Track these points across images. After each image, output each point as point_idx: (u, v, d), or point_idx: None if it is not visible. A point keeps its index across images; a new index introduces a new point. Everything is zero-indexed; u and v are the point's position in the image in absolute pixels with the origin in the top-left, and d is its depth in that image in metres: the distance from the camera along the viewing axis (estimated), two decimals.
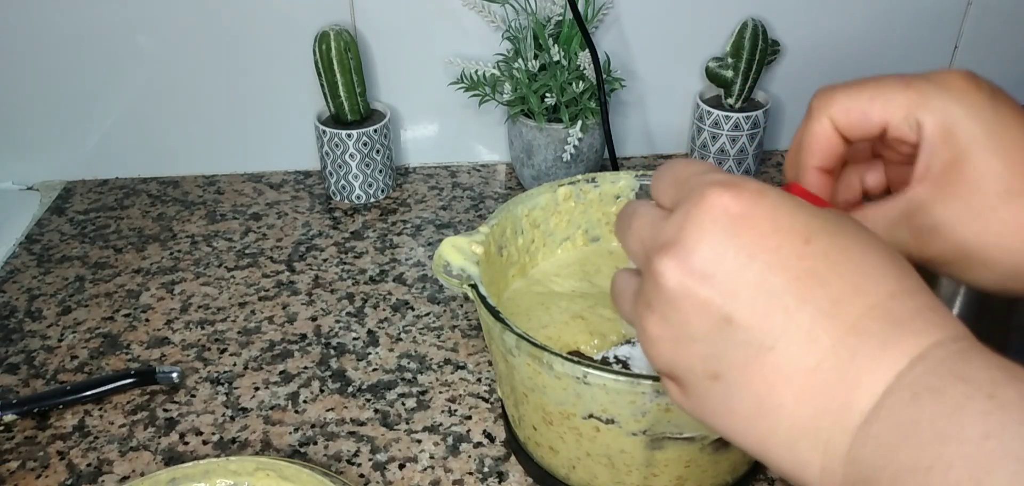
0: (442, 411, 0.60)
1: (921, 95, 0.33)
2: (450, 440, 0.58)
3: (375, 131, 0.83)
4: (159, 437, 0.58)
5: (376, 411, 0.60)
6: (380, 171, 0.85)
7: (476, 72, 0.83)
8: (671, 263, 0.28)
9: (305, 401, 0.61)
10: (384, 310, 0.71)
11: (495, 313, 0.47)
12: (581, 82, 0.81)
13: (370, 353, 0.66)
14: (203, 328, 0.69)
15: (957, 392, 0.23)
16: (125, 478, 0.55)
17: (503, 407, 0.58)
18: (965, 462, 0.22)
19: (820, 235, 0.28)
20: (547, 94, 0.81)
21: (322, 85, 0.82)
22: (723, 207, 0.28)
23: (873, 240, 0.29)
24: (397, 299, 0.72)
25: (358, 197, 0.86)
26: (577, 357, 0.46)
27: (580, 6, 0.79)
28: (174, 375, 0.62)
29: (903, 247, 0.35)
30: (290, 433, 0.59)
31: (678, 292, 0.28)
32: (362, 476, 0.55)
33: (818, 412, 0.26)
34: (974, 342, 0.26)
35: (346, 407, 0.61)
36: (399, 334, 0.68)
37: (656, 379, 0.43)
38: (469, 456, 0.57)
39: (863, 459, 0.25)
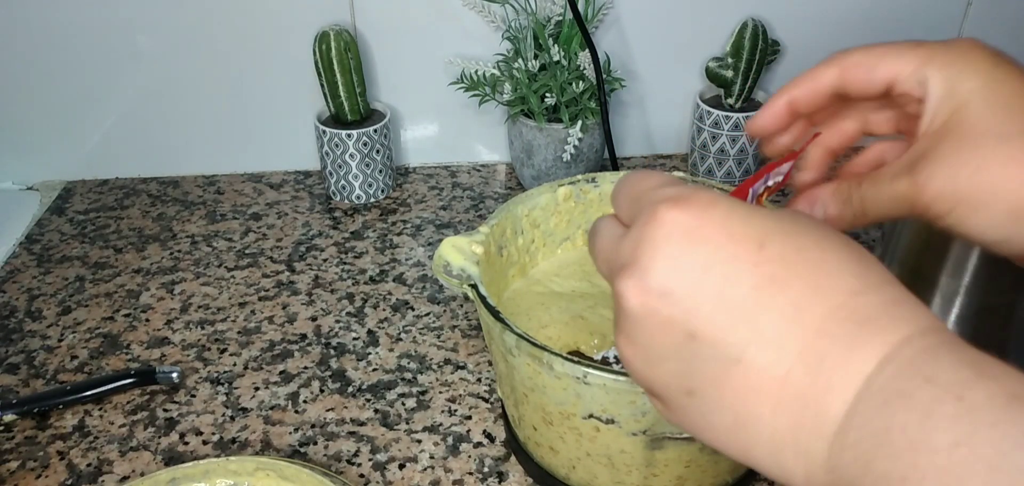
0: (442, 411, 0.60)
1: (929, 54, 0.36)
2: (450, 440, 0.58)
3: (375, 131, 0.83)
4: (159, 437, 0.59)
5: (376, 411, 0.60)
6: (380, 171, 0.85)
7: (476, 72, 0.83)
8: (630, 284, 0.28)
9: (305, 401, 0.61)
10: (384, 310, 0.71)
11: (495, 313, 0.47)
12: (581, 82, 0.81)
13: (370, 353, 0.66)
14: (203, 328, 0.69)
15: (925, 396, 0.23)
16: (125, 478, 0.55)
17: (503, 407, 0.58)
18: (937, 472, 0.22)
19: (775, 238, 0.27)
20: (547, 94, 0.81)
21: (322, 85, 0.82)
22: (673, 222, 0.28)
23: (831, 236, 0.28)
24: (397, 299, 0.72)
25: (358, 197, 0.86)
26: (577, 357, 0.46)
27: (580, 6, 0.79)
28: (174, 375, 0.62)
29: (903, 196, 0.36)
30: (290, 433, 0.59)
31: (640, 312, 0.28)
32: (362, 476, 0.55)
33: (794, 421, 0.26)
34: (944, 335, 0.25)
35: (346, 407, 0.61)
36: (399, 334, 0.68)
37: None
38: (469, 456, 0.57)
39: (843, 467, 0.25)
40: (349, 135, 0.82)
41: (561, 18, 0.81)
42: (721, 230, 0.27)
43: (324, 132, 0.83)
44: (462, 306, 0.71)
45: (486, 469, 0.56)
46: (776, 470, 0.27)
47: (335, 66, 0.80)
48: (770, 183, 0.39)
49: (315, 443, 0.58)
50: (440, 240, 0.57)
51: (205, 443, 0.58)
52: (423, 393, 0.62)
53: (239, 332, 0.68)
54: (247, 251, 0.79)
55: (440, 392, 0.62)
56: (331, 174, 0.85)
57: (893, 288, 0.27)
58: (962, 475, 0.21)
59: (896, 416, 0.23)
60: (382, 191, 0.87)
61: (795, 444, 0.26)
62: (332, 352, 0.66)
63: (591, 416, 0.46)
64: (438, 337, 0.67)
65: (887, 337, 0.25)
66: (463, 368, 0.64)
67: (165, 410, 0.61)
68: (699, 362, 0.27)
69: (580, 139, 0.81)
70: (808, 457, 0.26)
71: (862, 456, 0.24)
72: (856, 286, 0.26)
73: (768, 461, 0.27)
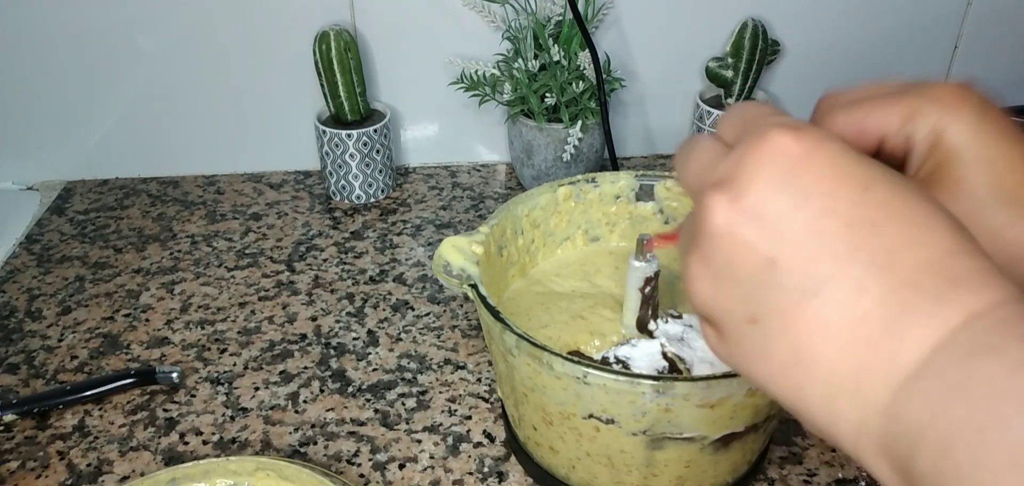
0: (442, 411, 0.60)
1: (913, 109, 0.34)
2: (450, 440, 0.58)
3: (375, 131, 0.83)
4: (159, 437, 0.59)
5: (376, 411, 0.60)
6: (380, 171, 0.85)
7: (476, 72, 0.83)
8: (722, 199, 0.28)
9: (305, 401, 0.61)
10: (384, 310, 0.71)
11: (495, 313, 0.47)
12: (581, 82, 0.81)
13: (370, 353, 0.66)
14: (203, 328, 0.69)
15: (1018, 351, 0.23)
16: (125, 478, 0.55)
17: (503, 407, 0.58)
18: None
19: (880, 185, 0.27)
20: (547, 94, 0.81)
21: (322, 85, 0.82)
22: (783, 148, 0.27)
23: (935, 200, 0.28)
24: (397, 299, 0.72)
25: (358, 197, 0.86)
26: (577, 357, 0.46)
27: (580, 6, 0.79)
28: (174, 375, 0.62)
29: None
30: (290, 433, 0.59)
31: (724, 230, 0.28)
32: (362, 476, 0.55)
33: (859, 364, 0.26)
34: None
35: (346, 407, 0.61)
36: (399, 334, 0.68)
37: (656, 379, 0.43)
38: (469, 456, 0.57)
39: (907, 415, 0.24)
40: (349, 135, 0.82)
41: (561, 18, 0.81)
42: (828, 165, 0.27)
43: (324, 132, 0.83)
44: (462, 306, 0.71)
45: (486, 469, 0.56)
46: (825, 415, 0.27)
47: (335, 66, 0.80)
48: None
49: (315, 443, 0.58)
50: (440, 240, 0.57)
51: (205, 443, 0.58)
52: (423, 393, 0.62)
53: (239, 332, 0.68)
54: (247, 251, 0.79)
55: (440, 392, 0.62)
56: (331, 174, 0.85)
57: (987, 258, 0.26)
58: None
59: (982, 367, 0.23)
60: (382, 191, 0.87)
61: (854, 388, 0.26)
62: (332, 352, 0.66)
63: (591, 416, 0.46)
64: (438, 337, 0.67)
65: (978, 298, 0.25)
66: (463, 368, 0.64)
67: (165, 410, 0.61)
68: (772, 290, 0.27)
69: (580, 139, 0.81)
70: (866, 403, 0.25)
71: (933, 404, 0.23)
72: (953, 246, 0.26)
73: (818, 404, 0.27)
